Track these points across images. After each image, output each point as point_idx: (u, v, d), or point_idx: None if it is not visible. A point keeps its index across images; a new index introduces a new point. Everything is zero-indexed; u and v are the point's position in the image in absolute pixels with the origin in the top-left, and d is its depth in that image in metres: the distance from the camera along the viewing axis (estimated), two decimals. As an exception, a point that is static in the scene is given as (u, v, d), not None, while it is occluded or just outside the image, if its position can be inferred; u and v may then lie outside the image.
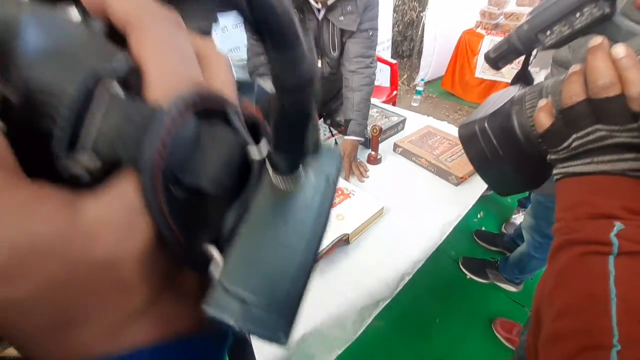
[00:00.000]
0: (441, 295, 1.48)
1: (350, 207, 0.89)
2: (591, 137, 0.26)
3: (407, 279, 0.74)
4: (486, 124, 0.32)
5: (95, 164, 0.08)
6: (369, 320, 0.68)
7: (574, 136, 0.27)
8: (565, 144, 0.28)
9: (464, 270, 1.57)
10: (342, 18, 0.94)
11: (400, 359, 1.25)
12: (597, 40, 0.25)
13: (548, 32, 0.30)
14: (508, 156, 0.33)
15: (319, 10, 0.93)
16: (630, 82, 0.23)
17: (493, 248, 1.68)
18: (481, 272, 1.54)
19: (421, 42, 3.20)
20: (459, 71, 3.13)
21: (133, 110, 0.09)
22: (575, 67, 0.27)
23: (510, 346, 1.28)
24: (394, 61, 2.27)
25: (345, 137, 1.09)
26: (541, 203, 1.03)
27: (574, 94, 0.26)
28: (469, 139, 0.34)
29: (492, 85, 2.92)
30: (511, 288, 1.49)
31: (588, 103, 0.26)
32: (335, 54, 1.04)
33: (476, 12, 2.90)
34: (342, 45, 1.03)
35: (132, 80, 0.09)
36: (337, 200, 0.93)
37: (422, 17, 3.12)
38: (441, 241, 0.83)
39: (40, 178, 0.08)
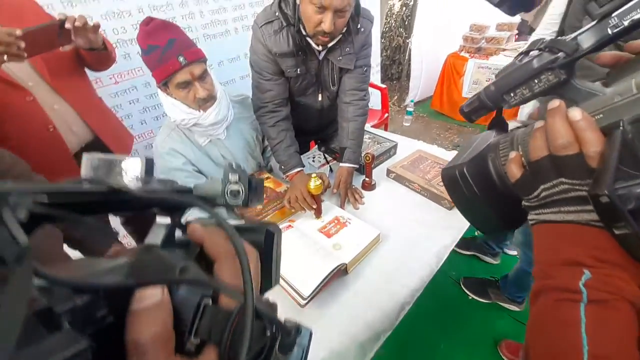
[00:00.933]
0: (444, 318, 1.46)
1: (347, 236, 0.91)
2: (556, 189, 0.28)
3: (407, 308, 0.74)
4: (465, 169, 0.35)
5: (196, 342, 0.16)
6: (371, 355, 0.67)
7: (542, 187, 0.29)
8: (535, 193, 0.30)
9: (465, 290, 1.56)
10: (340, 58, 1.00)
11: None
12: (554, 103, 0.28)
13: (512, 94, 0.33)
14: (486, 199, 0.35)
15: (319, 51, 0.99)
16: (588, 142, 0.25)
17: (466, 252, 1.73)
18: (483, 293, 1.53)
19: (409, 65, 3.34)
20: (446, 92, 3.25)
21: (217, 312, 0.17)
22: (539, 124, 0.30)
23: (517, 369, 1.25)
24: (383, 86, 2.36)
25: (341, 165, 1.12)
26: None
27: (538, 148, 0.29)
28: (451, 182, 0.36)
29: (480, 104, 3.02)
30: (514, 307, 1.48)
31: (551, 158, 0.28)
32: (334, 88, 1.10)
33: (459, 37, 3.06)
34: (340, 80, 1.09)
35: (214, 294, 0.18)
36: (333, 229, 0.94)
37: (408, 42, 3.28)
38: (438, 268, 0.84)
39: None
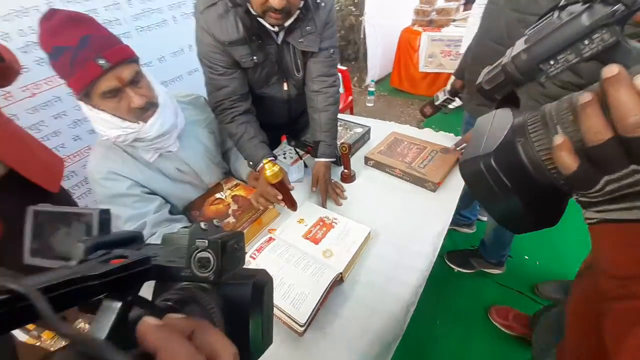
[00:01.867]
0: (435, 295, 1.47)
1: (336, 239, 0.83)
2: (628, 180, 0.22)
3: (412, 310, 0.69)
4: (492, 161, 0.28)
5: None
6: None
7: (606, 179, 0.23)
8: (597, 187, 0.24)
9: (450, 265, 1.59)
10: (302, 40, 0.87)
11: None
12: (613, 69, 0.21)
13: (552, 62, 0.26)
14: (520, 193, 0.29)
15: (276, 33, 0.86)
16: None
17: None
18: (466, 264, 1.56)
19: (364, 44, 3.27)
20: (404, 68, 3.24)
21: None
22: (586, 97, 0.23)
23: (509, 332, 1.30)
24: (344, 67, 2.26)
25: (316, 160, 1.02)
26: None
27: (598, 131, 0.22)
28: (475, 177, 0.29)
29: (437, 77, 3.07)
30: (496, 271, 1.54)
31: (617, 141, 0.22)
32: (300, 75, 0.97)
33: (410, 11, 3.03)
34: (305, 66, 0.97)
35: None
36: (320, 233, 0.85)
37: (361, 20, 3.19)
38: (435, 258, 0.80)
39: None
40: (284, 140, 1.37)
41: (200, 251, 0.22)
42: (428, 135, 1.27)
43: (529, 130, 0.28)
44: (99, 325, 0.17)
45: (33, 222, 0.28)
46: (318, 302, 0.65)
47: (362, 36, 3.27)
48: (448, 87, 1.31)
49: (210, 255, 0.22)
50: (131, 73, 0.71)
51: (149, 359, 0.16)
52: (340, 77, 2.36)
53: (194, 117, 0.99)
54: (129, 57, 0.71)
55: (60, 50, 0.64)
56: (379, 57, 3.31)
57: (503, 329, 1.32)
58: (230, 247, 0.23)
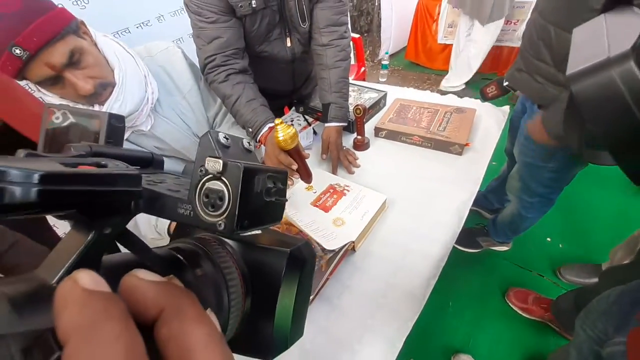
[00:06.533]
0: (444, 276, 1.39)
1: (347, 207, 0.74)
2: None
3: (432, 283, 0.61)
4: (633, 63, 0.17)
5: None
6: (400, 346, 0.54)
7: None
8: None
9: (455, 245, 1.49)
10: None
11: (426, 354, 1.16)
12: None
13: None
14: None
15: None
16: None
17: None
18: (473, 243, 1.47)
19: (378, 14, 3.06)
20: (421, 40, 3.03)
21: None
22: None
23: (527, 316, 1.22)
24: (356, 35, 2.10)
25: (326, 125, 0.92)
26: (530, 164, 0.95)
27: None
28: (601, 94, 0.18)
29: (457, 50, 2.85)
30: (503, 248, 1.45)
31: None
32: (306, 26, 0.85)
33: (430, -25, 2.79)
34: (312, 14, 0.85)
35: None
36: (330, 201, 0.77)
37: (376, -14, 2.96)
38: (460, 228, 0.70)
39: None
40: (290, 111, 1.26)
41: (211, 179, 0.14)
42: (432, 97, 1.17)
43: None
44: (51, 261, 0.12)
45: (46, 121, 0.21)
46: (330, 269, 0.57)
47: (376, 4, 3.05)
48: None
49: (225, 189, 0.14)
50: (63, 55, 0.55)
51: None
52: (353, 46, 2.21)
53: (170, 85, 0.78)
54: (55, 34, 0.53)
55: None
56: (394, 28, 3.10)
57: (521, 312, 1.24)
58: (260, 183, 0.15)
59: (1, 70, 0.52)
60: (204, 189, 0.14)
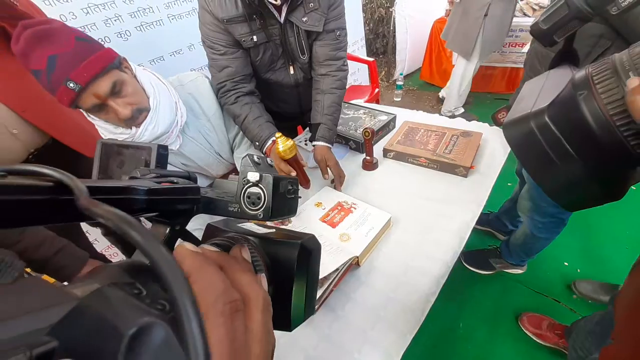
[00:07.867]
0: (455, 296, 1.38)
1: (353, 224, 0.79)
2: None
3: (432, 300, 0.64)
4: (547, 118, 0.23)
5: None
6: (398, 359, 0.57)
7: None
8: None
9: (467, 266, 1.48)
10: (305, 19, 0.84)
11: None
12: None
13: None
14: (580, 154, 0.23)
15: (279, 12, 0.83)
16: None
17: (482, 227, 1.62)
18: (485, 264, 1.45)
19: (394, 37, 3.17)
20: (435, 61, 3.11)
21: None
22: None
23: (542, 342, 1.19)
24: (371, 59, 2.20)
25: (315, 144, 0.96)
26: None
27: None
28: (524, 140, 0.24)
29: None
30: (517, 271, 1.43)
31: None
32: (305, 58, 0.94)
33: (444, 1, 2.88)
34: (311, 48, 0.94)
35: None
36: (337, 217, 0.82)
37: (391, 12, 3.09)
38: (461, 249, 0.73)
39: None
40: (304, 132, 1.33)
41: (251, 186, 0.21)
42: (440, 121, 1.21)
43: (594, 80, 0.23)
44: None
45: (100, 153, 0.29)
46: (332, 282, 0.62)
47: (391, 28, 3.17)
48: None
49: (261, 191, 0.21)
50: (108, 85, 0.65)
51: None
52: (368, 69, 2.30)
53: (197, 109, 0.90)
54: (101, 69, 0.64)
55: (36, 73, 0.61)
56: (409, 50, 3.20)
57: (535, 337, 1.21)
58: (283, 187, 0.22)
59: (59, 100, 0.64)
60: (246, 192, 0.22)
